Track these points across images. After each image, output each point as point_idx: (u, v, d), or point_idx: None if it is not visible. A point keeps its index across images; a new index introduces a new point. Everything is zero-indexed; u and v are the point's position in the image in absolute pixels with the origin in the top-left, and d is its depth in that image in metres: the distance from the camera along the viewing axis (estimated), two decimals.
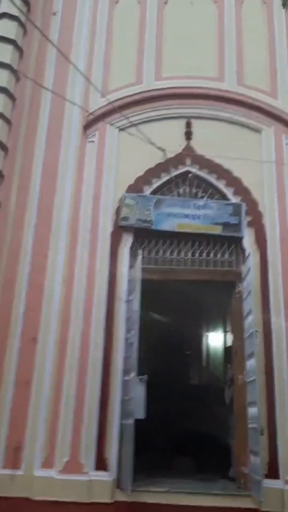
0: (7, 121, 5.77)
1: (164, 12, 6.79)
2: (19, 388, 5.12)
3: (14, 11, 5.95)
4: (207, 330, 11.50)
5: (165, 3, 6.83)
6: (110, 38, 6.74)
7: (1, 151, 5.67)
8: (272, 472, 4.85)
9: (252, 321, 4.94)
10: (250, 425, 4.90)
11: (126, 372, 5.10)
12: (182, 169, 6.09)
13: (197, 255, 5.78)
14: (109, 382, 5.12)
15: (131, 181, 5.94)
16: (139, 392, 4.78)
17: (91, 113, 6.17)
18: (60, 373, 5.17)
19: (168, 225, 5.78)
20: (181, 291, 6.80)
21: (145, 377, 5.07)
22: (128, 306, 5.44)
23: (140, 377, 4.96)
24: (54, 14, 6.72)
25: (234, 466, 5.28)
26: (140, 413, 4.74)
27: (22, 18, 6.11)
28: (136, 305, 5.14)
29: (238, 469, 5.07)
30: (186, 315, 9.55)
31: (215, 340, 11.19)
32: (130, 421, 4.63)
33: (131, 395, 4.72)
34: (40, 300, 5.45)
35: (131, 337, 5.10)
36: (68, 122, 6.24)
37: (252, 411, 4.82)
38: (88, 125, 6.25)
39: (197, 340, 11.54)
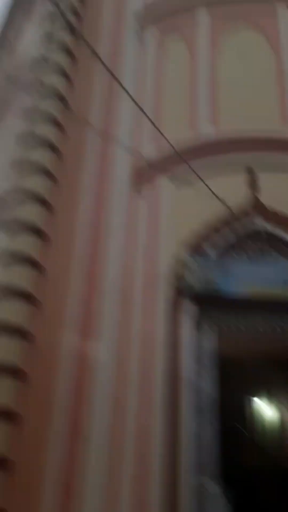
0: (53, 178, 5.17)
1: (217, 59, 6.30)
2: None
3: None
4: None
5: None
6: (160, 85, 6.27)
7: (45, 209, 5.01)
8: None
9: None
10: None
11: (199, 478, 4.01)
12: (250, 226, 5.29)
13: (277, 326, 4.82)
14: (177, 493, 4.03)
15: (191, 241, 5.15)
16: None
17: (143, 163, 5.54)
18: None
19: (239, 291, 4.89)
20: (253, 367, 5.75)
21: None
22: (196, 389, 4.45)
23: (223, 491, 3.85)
24: None
25: None
26: None
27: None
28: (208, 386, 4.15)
29: None
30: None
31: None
32: None
33: None
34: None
35: (205, 434, 4.07)
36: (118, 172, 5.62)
37: None
38: (138, 176, 5.59)
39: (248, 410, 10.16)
